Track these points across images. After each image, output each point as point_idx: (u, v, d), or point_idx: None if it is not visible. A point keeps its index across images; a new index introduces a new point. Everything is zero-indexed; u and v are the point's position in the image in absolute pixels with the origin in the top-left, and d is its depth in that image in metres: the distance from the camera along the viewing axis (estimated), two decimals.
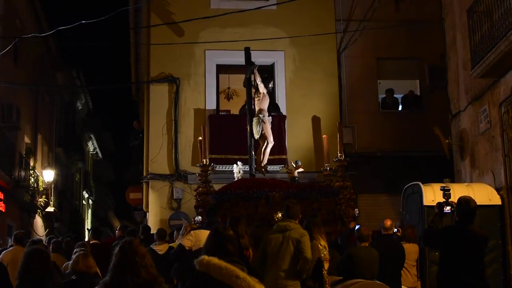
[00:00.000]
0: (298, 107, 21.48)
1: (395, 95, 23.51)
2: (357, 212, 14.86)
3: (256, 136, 16.42)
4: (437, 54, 21.43)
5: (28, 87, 28.49)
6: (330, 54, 22.29)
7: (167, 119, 21.41)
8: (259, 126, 16.31)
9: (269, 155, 18.66)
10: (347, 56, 22.69)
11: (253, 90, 16.74)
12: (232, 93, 23.24)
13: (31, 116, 29.96)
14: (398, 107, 23.64)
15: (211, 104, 21.57)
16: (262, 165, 16.61)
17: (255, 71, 16.68)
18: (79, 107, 42.82)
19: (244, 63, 21.71)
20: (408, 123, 22.50)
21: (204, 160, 14.74)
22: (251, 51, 20.56)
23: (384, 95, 23.38)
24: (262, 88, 16.40)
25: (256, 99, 16.48)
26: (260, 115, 16.29)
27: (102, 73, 58.18)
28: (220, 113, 22.07)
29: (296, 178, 16.55)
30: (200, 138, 15.24)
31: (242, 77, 22.92)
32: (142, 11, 23.05)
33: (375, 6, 20.77)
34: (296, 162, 17.12)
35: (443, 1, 19.62)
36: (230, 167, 19.85)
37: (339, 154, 15.08)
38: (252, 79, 17.79)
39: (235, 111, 22.45)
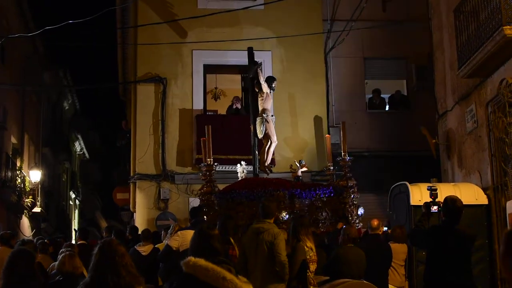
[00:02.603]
0: (285, 107, 21.50)
1: (382, 95, 23.55)
2: (362, 211, 14.88)
3: (260, 135, 16.38)
4: (424, 54, 21.50)
5: (15, 87, 28.38)
6: (318, 54, 22.31)
7: (154, 119, 21.38)
8: (263, 125, 16.28)
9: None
10: (334, 56, 22.73)
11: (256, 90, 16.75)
12: (219, 93, 23.25)
13: (18, 116, 29.86)
14: (385, 107, 23.69)
15: (198, 104, 21.54)
16: (266, 164, 16.60)
17: (259, 70, 16.67)
18: (66, 107, 42.69)
19: (231, 63, 21.85)
20: (395, 123, 22.54)
21: (209, 160, 14.67)
22: (240, 51, 20.61)
23: (371, 95, 23.42)
24: (265, 88, 16.36)
25: (259, 98, 16.46)
26: (263, 114, 16.25)
27: (89, 73, 58.01)
28: (207, 113, 22.06)
29: (300, 177, 16.59)
30: (203, 138, 15.20)
31: (229, 77, 23.00)
32: (129, 11, 23.01)
33: (362, 6, 20.79)
34: (300, 162, 17.13)
35: (430, 1, 19.66)
36: (219, 167, 19.85)
37: (343, 154, 15.06)
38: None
39: (222, 111, 22.47)
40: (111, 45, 28.18)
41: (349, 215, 14.28)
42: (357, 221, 14.43)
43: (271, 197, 13.83)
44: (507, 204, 14.11)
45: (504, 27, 13.34)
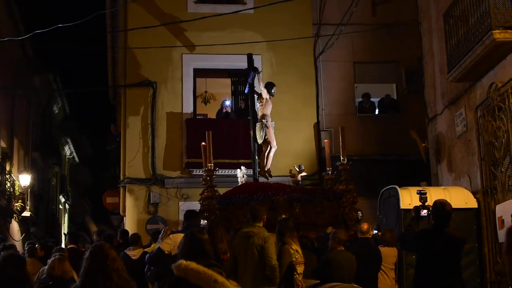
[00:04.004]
0: (275, 111, 21.44)
1: (371, 99, 23.56)
2: (360, 215, 14.93)
3: (260, 141, 16.45)
4: (414, 58, 21.51)
5: (5, 91, 28.30)
6: (307, 58, 22.34)
7: (144, 123, 21.35)
8: (262, 131, 16.35)
9: (246, 159, 18.62)
10: (324, 60, 22.74)
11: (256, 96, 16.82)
12: (209, 97, 23.23)
13: (7, 120, 29.75)
14: (375, 111, 23.69)
15: (188, 108, 21.54)
16: (266, 169, 16.63)
17: (258, 76, 16.72)
18: (55, 111, 42.56)
19: (221, 67, 21.83)
20: (385, 127, 22.54)
21: (209, 164, 14.66)
22: (230, 55, 20.65)
23: (361, 99, 23.43)
24: (265, 94, 16.42)
25: (259, 104, 16.52)
26: (263, 120, 16.31)
27: (79, 76, 57.92)
28: (197, 117, 22.05)
29: (300, 182, 16.63)
30: (203, 143, 15.20)
31: (219, 81, 23.00)
32: (119, 14, 23.00)
33: (352, 10, 20.81)
34: (299, 166, 17.17)
35: (420, 5, 19.70)
36: None
37: (341, 158, 15.08)
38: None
39: (212, 115, 22.47)
40: (101, 49, 28.09)
41: (348, 220, 14.30)
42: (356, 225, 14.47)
43: (260, 200, 13.88)
44: (496, 207, 14.15)
45: (494, 31, 13.39)
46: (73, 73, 60.75)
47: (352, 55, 23.13)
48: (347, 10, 20.97)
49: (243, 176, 16.41)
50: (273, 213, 14.04)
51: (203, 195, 14.60)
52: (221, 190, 14.95)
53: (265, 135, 16.38)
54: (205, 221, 13.96)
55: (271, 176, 16.68)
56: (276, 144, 16.73)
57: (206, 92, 23.27)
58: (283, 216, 13.52)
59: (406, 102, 22.86)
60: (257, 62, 21.22)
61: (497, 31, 13.41)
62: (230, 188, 15.28)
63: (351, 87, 23.19)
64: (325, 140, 17.18)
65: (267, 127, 16.38)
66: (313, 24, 22.62)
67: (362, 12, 21.91)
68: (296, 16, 22.12)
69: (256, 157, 16.55)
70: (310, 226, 14.12)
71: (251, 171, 16.64)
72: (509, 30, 13.44)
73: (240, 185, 15.79)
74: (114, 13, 23.14)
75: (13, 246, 15.05)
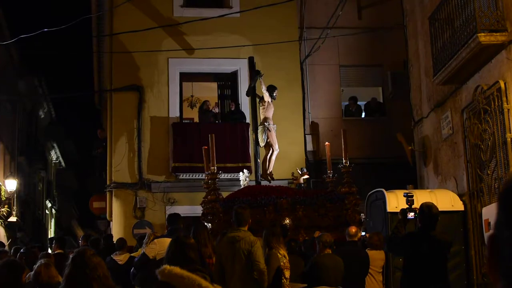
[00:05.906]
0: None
1: (358, 103, 23.60)
2: (363, 217, 14.99)
3: (262, 144, 16.52)
4: (399, 61, 21.59)
5: None
6: (294, 61, 22.32)
7: (130, 127, 21.28)
8: (265, 134, 16.39)
9: (233, 163, 18.62)
10: (311, 64, 22.75)
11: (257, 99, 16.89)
12: (196, 101, 23.21)
13: None
14: (361, 114, 23.74)
15: (174, 112, 21.49)
16: (268, 172, 16.66)
17: (261, 79, 16.75)
18: (41, 116, 42.41)
19: (207, 71, 21.80)
20: (371, 130, 22.60)
21: (212, 168, 14.65)
22: (216, 59, 20.62)
23: (347, 103, 23.47)
24: (266, 97, 16.48)
25: (261, 107, 16.58)
26: (265, 123, 16.38)
27: (64, 81, 57.67)
28: (183, 121, 22.02)
29: (302, 185, 16.67)
30: (205, 147, 15.19)
31: (205, 85, 22.99)
32: (105, 19, 22.94)
33: (338, 14, 20.85)
34: (301, 169, 17.21)
35: (405, 8, 19.76)
36: (195, 175, 19.81)
37: (344, 161, 15.14)
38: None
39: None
40: (87, 53, 28.07)
41: (351, 222, 14.33)
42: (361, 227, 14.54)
43: (264, 204, 14.00)
44: (482, 210, 14.19)
45: (479, 34, 13.45)
46: (59, 77, 60.50)
47: (338, 59, 23.17)
48: (333, 14, 21.01)
49: (245, 179, 16.41)
50: (277, 216, 14.14)
51: (206, 199, 14.60)
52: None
53: (267, 138, 16.45)
54: (209, 225, 13.94)
55: (273, 179, 16.72)
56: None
57: (192, 96, 23.26)
58: (287, 219, 13.60)
59: (392, 105, 22.92)
60: (243, 66, 21.32)
61: (482, 34, 13.47)
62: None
63: (337, 90, 23.24)
64: (326, 143, 17.22)
65: (269, 130, 16.47)
66: (299, 27, 22.64)
67: (347, 15, 21.98)
68: (282, 20, 22.10)
69: (259, 160, 16.65)
70: (313, 228, 14.18)
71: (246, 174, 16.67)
72: (494, 33, 13.51)
73: (243, 188, 15.83)
74: (99, 17, 23.10)
75: (5, 252, 14.98)
